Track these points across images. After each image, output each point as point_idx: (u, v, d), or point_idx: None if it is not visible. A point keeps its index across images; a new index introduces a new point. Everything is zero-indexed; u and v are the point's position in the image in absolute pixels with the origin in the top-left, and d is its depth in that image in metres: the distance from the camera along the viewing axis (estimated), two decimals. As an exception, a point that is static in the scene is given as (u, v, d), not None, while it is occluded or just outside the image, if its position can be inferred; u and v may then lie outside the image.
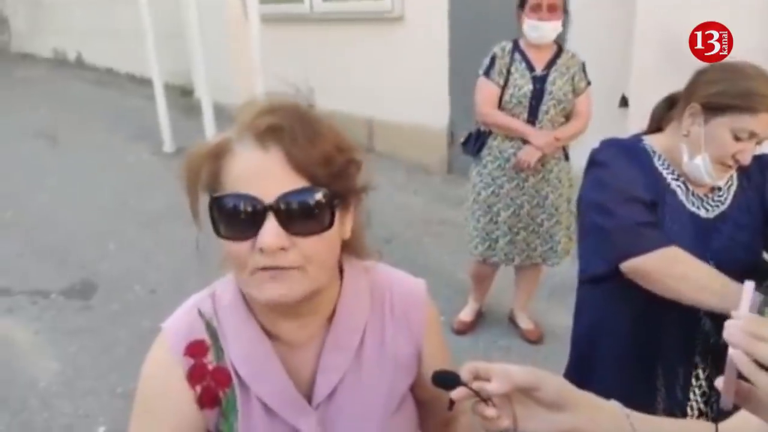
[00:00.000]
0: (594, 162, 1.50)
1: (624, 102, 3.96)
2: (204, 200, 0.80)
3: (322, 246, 0.80)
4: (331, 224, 0.79)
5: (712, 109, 1.36)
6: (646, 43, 3.63)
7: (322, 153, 0.77)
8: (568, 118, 2.88)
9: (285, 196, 0.75)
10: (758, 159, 1.50)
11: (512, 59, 2.83)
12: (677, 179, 1.45)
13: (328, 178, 0.78)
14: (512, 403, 0.75)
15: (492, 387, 0.72)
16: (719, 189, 1.46)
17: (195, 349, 0.87)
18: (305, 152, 0.76)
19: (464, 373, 0.74)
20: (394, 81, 5.51)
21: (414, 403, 0.98)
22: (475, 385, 0.73)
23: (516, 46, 2.85)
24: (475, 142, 2.98)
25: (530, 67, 2.81)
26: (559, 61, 2.83)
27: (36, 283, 3.89)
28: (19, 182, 5.59)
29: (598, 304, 1.57)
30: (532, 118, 2.82)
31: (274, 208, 0.75)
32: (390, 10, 5.39)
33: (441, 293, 3.54)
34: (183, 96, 7.38)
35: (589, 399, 0.77)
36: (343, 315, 0.90)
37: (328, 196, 0.78)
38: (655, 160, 1.47)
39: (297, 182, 0.76)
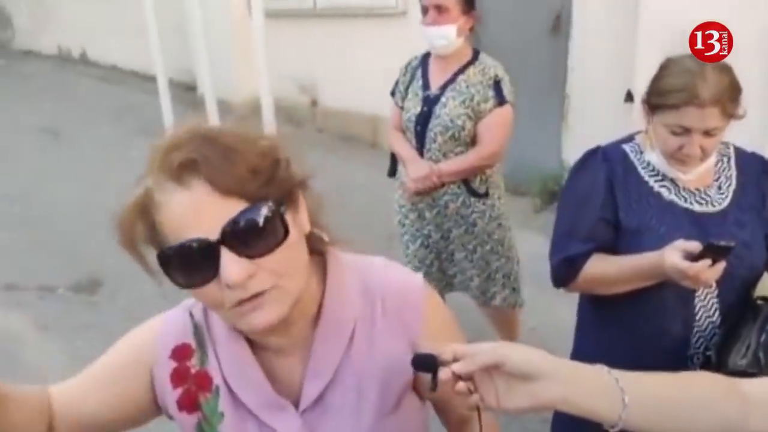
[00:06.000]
0: (568, 176, 1.59)
1: (629, 97, 3.95)
2: (151, 253, 0.78)
3: (287, 256, 0.76)
4: (286, 233, 0.75)
5: (651, 107, 1.41)
6: (651, 38, 3.62)
7: (245, 167, 0.72)
8: (475, 144, 2.35)
9: (228, 225, 0.71)
10: (761, 159, 1.52)
11: (413, 76, 2.44)
12: (662, 179, 1.46)
13: (261, 189, 0.73)
14: (493, 381, 0.74)
15: (455, 367, 0.73)
16: (719, 187, 1.46)
17: (180, 353, 0.89)
18: (227, 174, 0.71)
19: (446, 355, 0.75)
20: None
21: (418, 402, 0.95)
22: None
23: (424, 60, 2.44)
24: (391, 163, 2.65)
25: (426, 86, 2.38)
26: (461, 78, 2.32)
27: (43, 279, 3.91)
28: (25, 178, 5.60)
29: (598, 325, 1.64)
30: (420, 146, 2.38)
31: (223, 241, 0.71)
32: (394, 5, 5.38)
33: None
34: (187, 92, 7.38)
35: (569, 366, 0.75)
36: (328, 314, 0.87)
37: (271, 207, 0.73)
38: (639, 162, 1.49)
39: (233, 206, 0.71)
